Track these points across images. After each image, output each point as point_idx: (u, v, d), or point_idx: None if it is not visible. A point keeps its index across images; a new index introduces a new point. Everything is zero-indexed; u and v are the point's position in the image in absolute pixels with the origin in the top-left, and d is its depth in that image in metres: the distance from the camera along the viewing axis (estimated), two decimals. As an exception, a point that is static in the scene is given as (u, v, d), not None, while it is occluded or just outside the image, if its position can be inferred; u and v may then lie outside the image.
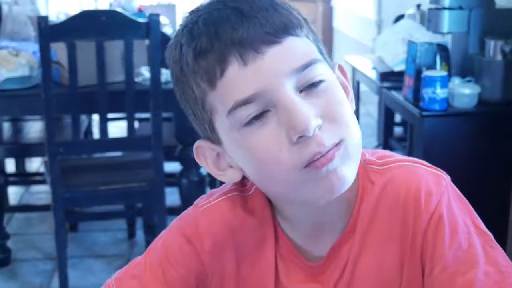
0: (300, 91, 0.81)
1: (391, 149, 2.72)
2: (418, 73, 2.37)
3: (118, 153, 3.15)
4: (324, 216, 0.90)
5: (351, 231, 0.92)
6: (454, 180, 2.37)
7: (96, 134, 3.79)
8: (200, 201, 0.99)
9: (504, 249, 0.94)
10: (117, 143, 3.00)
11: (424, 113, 2.31)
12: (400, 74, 2.61)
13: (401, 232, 0.91)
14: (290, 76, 0.80)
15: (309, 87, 0.82)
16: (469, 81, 2.37)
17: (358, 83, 3.10)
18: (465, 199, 0.93)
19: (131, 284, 0.97)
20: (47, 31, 2.54)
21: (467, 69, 2.45)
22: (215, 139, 0.88)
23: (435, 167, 0.94)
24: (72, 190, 2.84)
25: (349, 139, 0.82)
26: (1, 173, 3.65)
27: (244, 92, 0.80)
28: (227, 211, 0.95)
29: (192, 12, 0.87)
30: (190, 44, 0.83)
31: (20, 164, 4.03)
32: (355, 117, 0.87)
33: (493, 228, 0.91)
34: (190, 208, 0.99)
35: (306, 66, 0.81)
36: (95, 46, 2.55)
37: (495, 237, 0.90)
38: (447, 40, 2.55)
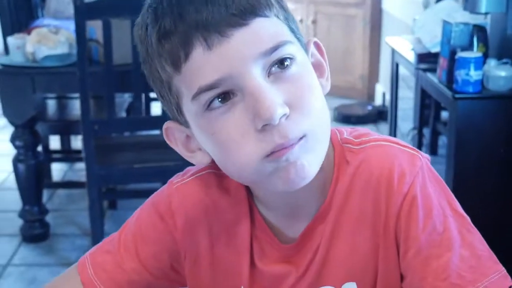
0: (269, 75, 0.79)
1: (433, 133, 2.63)
2: (452, 54, 2.29)
3: (156, 132, 3.15)
4: (297, 199, 0.88)
5: (325, 213, 0.89)
6: (487, 164, 2.29)
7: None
8: (175, 178, 0.97)
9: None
10: (152, 121, 3.01)
11: (457, 96, 2.23)
12: (437, 55, 2.52)
13: (373, 214, 0.88)
14: (258, 60, 0.77)
15: (277, 71, 0.79)
16: (505, 63, 2.28)
17: (397, 65, 3.03)
18: (442, 180, 0.89)
19: (105, 259, 0.95)
20: (83, 9, 2.56)
21: (505, 50, 2.35)
22: (183, 122, 0.86)
23: (411, 147, 0.90)
24: (106, 168, 2.89)
25: (314, 132, 0.79)
26: (45, 150, 3.72)
27: (208, 78, 0.77)
28: (201, 189, 0.94)
29: None
30: (154, 25, 0.80)
31: (65, 141, 4.06)
32: (324, 101, 0.84)
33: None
34: (165, 185, 0.97)
35: (275, 48, 0.78)
36: (130, 25, 2.51)
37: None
38: (487, 21, 2.45)
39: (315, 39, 0.90)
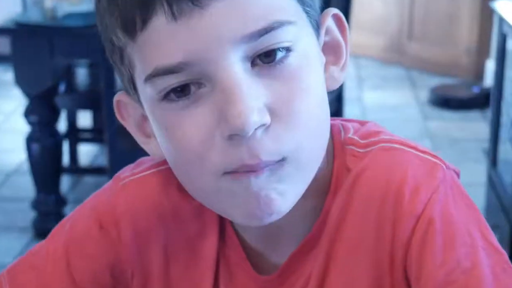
0: (252, 66, 0.68)
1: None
2: None
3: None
4: (281, 220, 0.75)
5: (317, 235, 0.80)
6: None
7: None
8: (123, 171, 0.87)
9: None
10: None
11: None
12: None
13: (376, 240, 0.77)
14: (240, 44, 0.67)
15: (266, 62, 0.68)
16: None
17: (504, 37, 2.83)
18: (472, 201, 0.77)
19: (28, 278, 0.86)
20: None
21: None
22: (136, 100, 0.77)
23: (434, 154, 0.79)
24: (133, 152, 2.79)
25: (298, 154, 0.70)
26: (71, 128, 3.71)
27: (169, 57, 0.67)
28: (157, 190, 0.84)
29: None
30: None
31: (97, 119, 3.97)
32: (325, 109, 0.74)
33: None
34: (110, 181, 0.87)
35: (266, 31, 0.67)
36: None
37: None
38: None
39: (335, 10, 0.79)
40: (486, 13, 4.84)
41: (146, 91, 0.71)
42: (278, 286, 0.81)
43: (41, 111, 3.13)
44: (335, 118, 0.84)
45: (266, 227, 0.77)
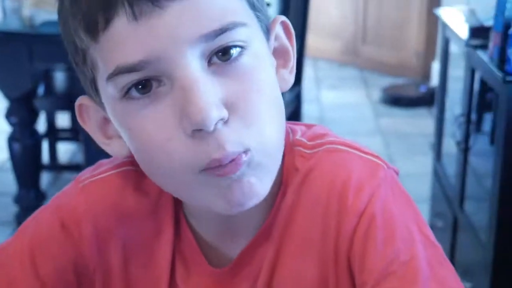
0: (209, 65, 0.68)
1: (477, 121, 2.47)
2: (506, 28, 2.10)
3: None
4: (233, 215, 0.75)
5: (267, 232, 0.79)
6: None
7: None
8: (83, 174, 0.85)
9: None
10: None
11: (509, 78, 2.04)
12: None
13: (322, 236, 0.77)
14: (197, 43, 0.66)
15: (221, 61, 0.68)
16: None
17: (447, 41, 2.84)
18: (411, 198, 0.76)
19: None
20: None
21: None
22: (98, 102, 0.75)
23: (376, 155, 0.79)
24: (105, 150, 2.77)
25: (259, 146, 0.69)
26: (50, 128, 3.67)
27: (130, 56, 0.66)
28: (115, 191, 0.82)
29: None
30: None
31: (75, 119, 3.95)
32: (279, 103, 0.74)
33: None
34: (71, 183, 0.85)
35: (221, 31, 0.66)
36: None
37: None
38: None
39: (283, 18, 0.78)
40: (432, 20, 4.84)
41: (108, 91, 0.69)
42: (231, 278, 0.80)
43: (21, 113, 3.09)
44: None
45: (222, 221, 0.78)
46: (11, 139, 3.14)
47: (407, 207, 0.76)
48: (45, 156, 3.65)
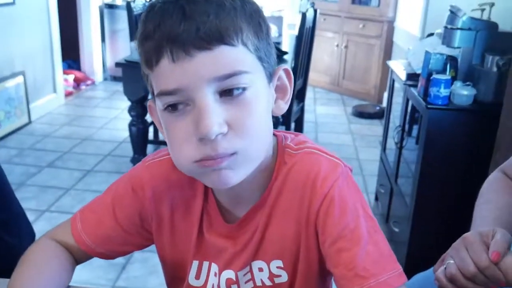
0: (221, 96, 0.63)
1: (408, 131, 2.44)
2: (429, 75, 2.06)
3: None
4: (241, 189, 0.72)
5: (263, 202, 0.75)
6: (448, 156, 2.02)
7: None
8: (147, 158, 0.82)
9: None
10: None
11: (429, 106, 2.00)
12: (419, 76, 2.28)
13: (298, 208, 0.74)
14: (212, 82, 0.61)
15: (228, 94, 0.63)
16: (468, 85, 2.03)
17: (393, 80, 2.79)
18: (358, 188, 0.74)
19: (90, 216, 0.82)
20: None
21: (469, 76, 2.10)
22: (155, 108, 0.70)
23: (337, 157, 0.75)
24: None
25: (245, 151, 0.64)
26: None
27: (169, 85, 0.62)
28: (167, 169, 0.78)
29: None
30: (143, 23, 0.64)
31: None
32: (268, 124, 0.68)
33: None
34: (140, 162, 0.82)
35: (230, 76, 0.62)
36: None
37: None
38: (458, 53, 2.20)
39: (285, 66, 0.73)
40: (385, 67, 4.79)
41: (158, 103, 0.66)
42: (237, 231, 0.77)
43: (137, 109, 3.11)
44: (280, 130, 0.80)
45: (233, 194, 0.74)
46: (130, 125, 3.15)
47: (355, 193, 0.72)
48: (151, 135, 3.64)
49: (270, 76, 0.69)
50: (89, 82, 5.37)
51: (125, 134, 3.77)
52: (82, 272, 2.40)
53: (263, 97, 0.66)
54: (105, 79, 5.62)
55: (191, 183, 0.78)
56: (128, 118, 3.22)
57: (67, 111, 4.53)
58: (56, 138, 3.85)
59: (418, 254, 2.16)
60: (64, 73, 4.91)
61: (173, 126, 0.64)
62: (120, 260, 2.38)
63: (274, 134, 0.77)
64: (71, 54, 5.28)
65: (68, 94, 4.93)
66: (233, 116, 0.63)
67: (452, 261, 0.81)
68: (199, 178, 0.68)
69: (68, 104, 4.72)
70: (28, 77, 4.11)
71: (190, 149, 0.63)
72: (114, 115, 4.44)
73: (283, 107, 0.73)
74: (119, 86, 4.73)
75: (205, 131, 0.60)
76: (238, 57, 0.62)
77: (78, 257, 0.83)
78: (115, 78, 5.48)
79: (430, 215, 2.13)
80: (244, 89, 0.63)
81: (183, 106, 0.63)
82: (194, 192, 0.78)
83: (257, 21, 0.66)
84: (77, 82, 5.23)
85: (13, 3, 3.88)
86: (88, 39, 5.30)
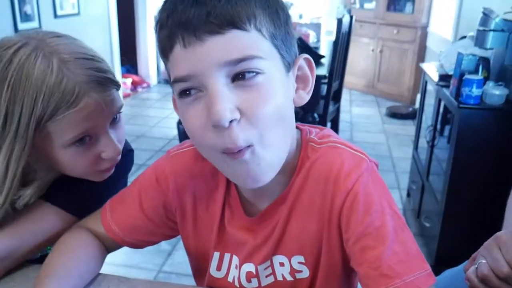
0: (233, 81, 0.56)
1: (440, 131, 2.32)
2: (461, 76, 1.93)
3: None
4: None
5: (284, 197, 0.69)
6: (480, 153, 1.89)
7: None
8: (172, 148, 0.76)
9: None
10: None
11: (461, 105, 1.88)
12: (451, 77, 2.15)
13: (321, 203, 0.66)
14: (223, 67, 0.55)
15: (240, 79, 0.56)
16: (500, 85, 1.89)
17: (426, 82, 2.66)
18: (384, 184, 0.64)
19: (119, 207, 0.78)
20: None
21: (502, 76, 1.96)
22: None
23: (362, 152, 0.66)
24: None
25: (262, 140, 0.57)
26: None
27: (181, 71, 0.57)
28: (190, 160, 0.73)
29: None
30: (159, 13, 0.58)
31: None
32: (285, 113, 0.60)
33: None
34: (164, 154, 0.77)
35: (241, 60, 0.55)
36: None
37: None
38: (490, 54, 2.06)
39: (306, 56, 0.65)
40: (418, 69, 4.62)
41: (174, 90, 0.60)
42: (258, 224, 0.71)
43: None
44: (305, 124, 0.73)
45: (253, 189, 0.67)
46: (179, 123, 3.14)
47: (381, 189, 0.64)
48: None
49: (289, 66, 0.62)
50: (145, 85, 5.44)
51: (175, 132, 3.79)
52: (134, 255, 2.40)
53: (279, 85, 0.59)
54: (159, 82, 5.68)
55: (213, 174, 0.72)
56: (177, 118, 3.23)
57: (125, 111, 4.54)
58: (114, 135, 3.91)
59: (447, 250, 2.04)
60: (123, 77, 5.00)
61: (188, 113, 0.58)
62: (166, 246, 2.37)
63: (298, 128, 0.71)
64: (130, 59, 5.36)
65: (126, 96, 5.01)
66: (245, 101, 0.56)
67: (484, 261, 0.73)
68: (226, 170, 0.61)
69: (125, 105, 4.80)
70: (91, 80, 4.18)
71: (209, 137, 0.57)
72: (166, 115, 4.48)
73: (305, 97, 0.65)
74: (171, 89, 4.75)
75: (216, 117, 0.54)
76: (250, 42, 0.56)
77: (108, 245, 0.79)
78: (167, 82, 5.52)
79: (461, 212, 2.01)
80: (256, 73, 0.56)
81: (196, 92, 0.57)
82: (217, 183, 0.73)
83: (275, 9, 0.59)
84: (134, 85, 5.32)
85: (78, 14, 3.96)
86: (144, 46, 5.37)
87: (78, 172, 0.77)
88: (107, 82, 0.74)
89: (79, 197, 0.80)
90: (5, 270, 0.75)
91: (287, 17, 0.61)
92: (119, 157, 0.79)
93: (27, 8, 3.39)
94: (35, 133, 0.70)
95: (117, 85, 0.77)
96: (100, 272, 0.77)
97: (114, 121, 0.78)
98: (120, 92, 4.82)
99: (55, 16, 3.69)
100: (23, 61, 0.68)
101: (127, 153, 0.87)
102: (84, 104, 0.70)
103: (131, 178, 0.81)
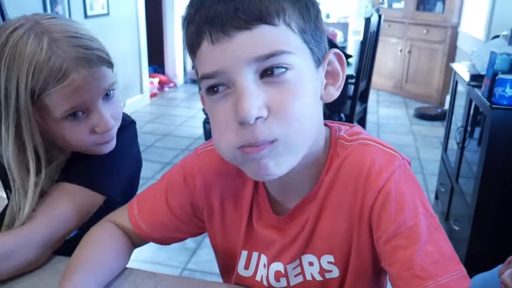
0: (261, 77, 0.55)
1: (470, 132, 2.26)
2: (494, 75, 1.88)
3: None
4: (291, 181, 0.64)
5: (314, 195, 0.67)
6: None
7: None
8: (200, 146, 0.76)
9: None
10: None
11: (494, 106, 1.82)
12: (483, 77, 2.07)
13: (351, 202, 0.65)
14: (252, 63, 0.54)
15: (269, 75, 0.55)
16: (535, 85, 1.84)
17: (456, 82, 2.60)
18: (417, 181, 0.62)
19: (146, 203, 0.78)
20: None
21: (537, 76, 1.90)
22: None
23: (394, 149, 0.63)
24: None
25: (287, 137, 0.56)
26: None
27: (209, 68, 0.56)
28: (218, 158, 0.69)
29: None
30: (187, 9, 0.57)
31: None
32: (313, 110, 0.59)
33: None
34: (193, 151, 0.76)
35: (270, 56, 0.54)
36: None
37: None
38: (525, 54, 1.99)
39: (336, 50, 0.63)
40: (448, 69, 4.52)
41: (201, 86, 0.59)
42: (287, 223, 0.70)
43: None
44: (335, 122, 0.71)
45: (283, 185, 0.67)
46: (205, 122, 3.15)
47: (414, 187, 0.62)
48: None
49: (319, 61, 0.60)
50: (171, 84, 5.49)
51: (201, 131, 3.81)
52: (159, 252, 2.42)
53: (308, 81, 0.58)
54: (185, 82, 5.72)
55: (240, 172, 0.70)
56: (203, 117, 3.24)
57: (152, 110, 4.65)
58: (141, 134, 3.94)
59: (478, 254, 1.99)
60: (150, 76, 5.05)
61: (215, 110, 0.58)
62: (191, 244, 2.38)
63: (327, 125, 0.69)
64: (157, 59, 5.42)
65: (153, 95, 5.07)
66: (274, 99, 0.55)
67: None
68: (242, 167, 0.61)
69: (152, 104, 4.86)
70: (119, 79, 4.24)
71: (231, 135, 0.56)
72: (192, 114, 4.50)
73: (334, 93, 0.63)
74: (197, 88, 4.79)
75: (243, 114, 0.53)
76: (279, 37, 0.55)
77: (135, 241, 0.79)
78: (194, 81, 5.57)
79: (492, 216, 1.95)
80: (286, 69, 0.55)
81: (224, 88, 0.56)
82: (244, 181, 0.72)
83: (304, 3, 0.58)
84: (161, 84, 5.37)
85: (107, 14, 4.03)
86: (171, 46, 5.42)
87: (79, 145, 0.80)
88: (96, 59, 0.77)
89: (91, 171, 0.83)
90: (44, 259, 0.77)
91: (317, 11, 0.60)
92: (114, 130, 0.82)
93: (59, 8, 3.47)
94: (34, 107, 0.74)
95: (108, 63, 0.80)
96: (127, 266, 0.78)
97: (107, 97, 0.80)
98: (147, 92, 4.88)
99: (85, 16, 3.76)
100: (17, 40, 0.72)
101: (129, 125, 0.90)
102: (71, 79, 0.73)
103: (157, 176, 0.81)
